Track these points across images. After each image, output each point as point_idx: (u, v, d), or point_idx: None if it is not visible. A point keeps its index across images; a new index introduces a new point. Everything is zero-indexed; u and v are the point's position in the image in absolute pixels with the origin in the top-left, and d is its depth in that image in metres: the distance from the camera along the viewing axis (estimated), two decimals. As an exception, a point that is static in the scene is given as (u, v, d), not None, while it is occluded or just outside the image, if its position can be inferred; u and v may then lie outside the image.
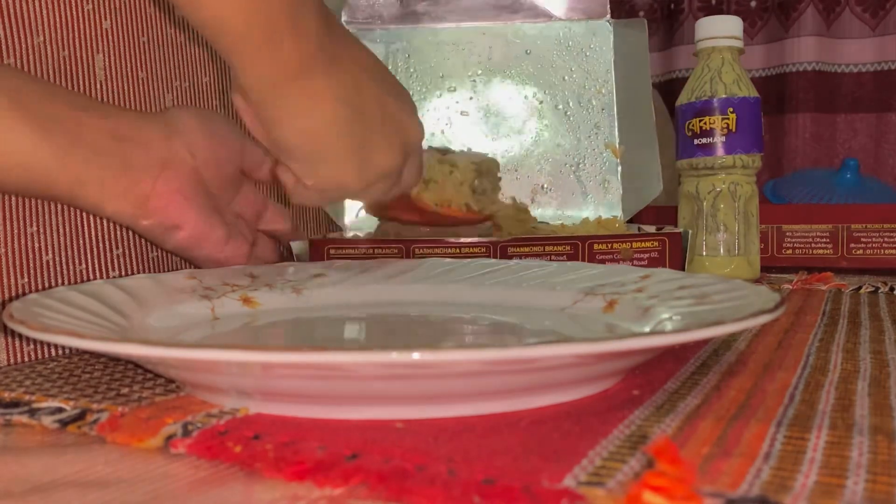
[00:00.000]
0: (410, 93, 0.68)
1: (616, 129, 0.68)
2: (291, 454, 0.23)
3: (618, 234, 0.57)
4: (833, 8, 1.34)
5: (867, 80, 1.35)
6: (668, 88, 1.42)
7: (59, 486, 0.22)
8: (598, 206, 0.68)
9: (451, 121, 0.69)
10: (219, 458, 0.24)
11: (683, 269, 0.56)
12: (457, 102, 0.69)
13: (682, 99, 0.68)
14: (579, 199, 0.68)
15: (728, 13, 1.38)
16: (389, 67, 0.67)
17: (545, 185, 0.68)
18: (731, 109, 0.65)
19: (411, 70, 0.67)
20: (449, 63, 0.68)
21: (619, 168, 0.68)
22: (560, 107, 0.69)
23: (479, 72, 0.69)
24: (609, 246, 0.55)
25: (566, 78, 0.69)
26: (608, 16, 0.69)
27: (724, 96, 0.65)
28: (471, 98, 0.69)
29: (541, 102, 0.69)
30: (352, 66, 0.39)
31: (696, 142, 0.66)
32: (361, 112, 0.39)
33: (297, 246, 0.56)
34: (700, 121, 0.66)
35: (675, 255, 0.56)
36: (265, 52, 0.35)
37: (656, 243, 0.55)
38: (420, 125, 0.45)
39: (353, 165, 0.40)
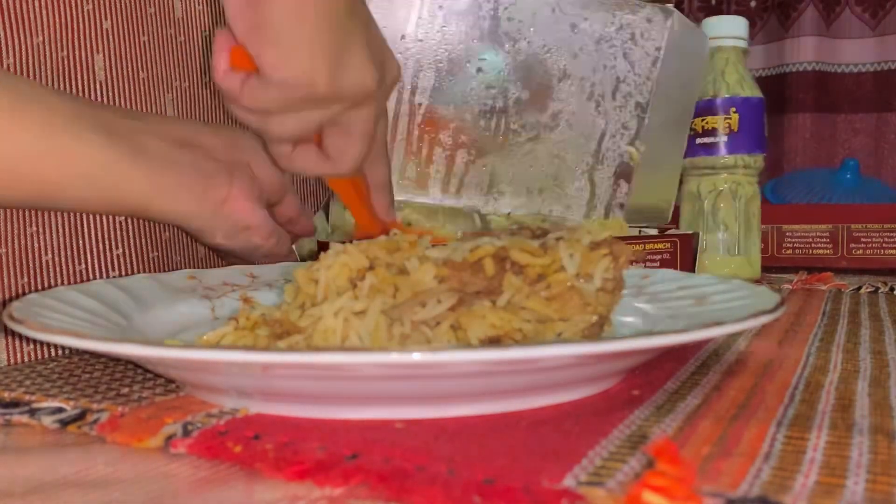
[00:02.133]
0: (434, 51, 0.60)
1: (642, 134, 0.64)
2: (291, 454, 0.23)
3: (631, 235, 0.58)
4: (833, 8, 1.34)
5: (867, 80, 1.35)
6: (669, 88, 1.42)
7: (59, 486, 0.22)
8: (603, 208, 0.66)
9: (468, 91, 0.62)
10: (219, 458, 0.24)
11: (694, 271, 0.56)
12: (481, 76, 0.61)
13: (683, 99, 0.68)
14: (585, 197, 0.66)
15: (728, 13, 1.38)
16: (423, 13, 0.60)
17: (557, 179, 0.65)
18: (734, 109, 0.65)
19: (438, 22, 0.60)
20: (483, 24, 0.61)
21: (633, 176, 0.65)
22: (592, 97, 0.62)
23: (516, 41, 0.61)
24: None
25: (606, 66, 0.62)
26: (672, 3, 0.63)
27: (726, 96, 0.65)
28: (500, 71, 0.61)
29: (573, 92, 0.61)
30: None
31: (698, 141, 0.66)
32: (351, 15, 0.39)
33: (302, 246, 0.56)
34: (703, 120, 0.66)
35: (686, 256, 0.56)
36: None
37: (668, 245, 0.55)
38: (398, 66, 0.44)
39: (328, 63, 0.38)
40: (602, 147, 0.64)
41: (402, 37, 0.59)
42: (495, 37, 0.61)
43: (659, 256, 0.55)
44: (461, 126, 0.62)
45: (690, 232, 0.56)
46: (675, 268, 0.56)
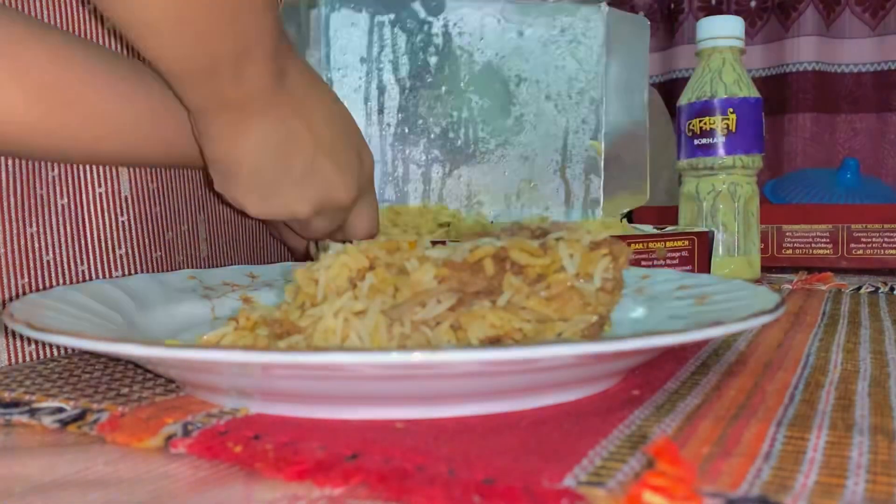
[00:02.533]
0: (394, 71, 0.63)
1: (602, 127, 0.67)
2: (291, 454, 0.23)
3: (652, 234, 0.58)
4: (833, 8, 1.35)
5: (867, 80, 1.35)
6: (668, 88, 1.42)
7: (59, 486, 0.22)
8: (580, 204, 0.67)
9: (434, 105, 0.64)
10: (219, 458, 0.24)
11: (709, 268, 0.58)
12: (444, 89, 0.64)
13: (683, 99, 0.68)
14: (563, 196, 0.67)
15: (728, 13, 1.38)
16: (376, 38, 0.62)
17: (531, 181, 0.67)
18: (732, 110, 0.65)
19: (398, 45, 0.62)
20: (437, 40, 0.63)
21: (602, 168, 0.67)
22: (549, 98, 0.66)
23: (470, 53, 0.64)
24: (645, 245, 0.56)
25: (557, 67, 0.66)
26: (604, 1, 0.66)
27: (724, 97, 0.65)
28: (461, 83, 0.64)
29: (531, 94, 0.66)
30: (293, 110, 0.43)
31: (696, 142, 0.66)
32: (299, 148, 0.43)
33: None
34: (700, 121, 0.66)
35: (703, 253, 0.57)
36: (199, 89, 0.39)
37: (686, 242, 0.57)
38: (371, 158, 0.49)
39: (296, 192, 0.44)
40: (568, 144, 0.67)
41: (362, 60, 0.61)
42: (450, 51, 0.64)
43: (678, 254, 0.57)
44: (431, 140, 0.65)
45: (706, 229, 0.58)
46: (693, 265, 0.57)
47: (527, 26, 0.65)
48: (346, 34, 0.60)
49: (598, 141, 0.67)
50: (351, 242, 0.33)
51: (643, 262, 0.56)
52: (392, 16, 0.62)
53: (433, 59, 0.64)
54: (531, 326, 0.30)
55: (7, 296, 0.41)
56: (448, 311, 0.30)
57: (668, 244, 0.56)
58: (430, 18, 0.63)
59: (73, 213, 0.44)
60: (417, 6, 0.63)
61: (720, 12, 1.37)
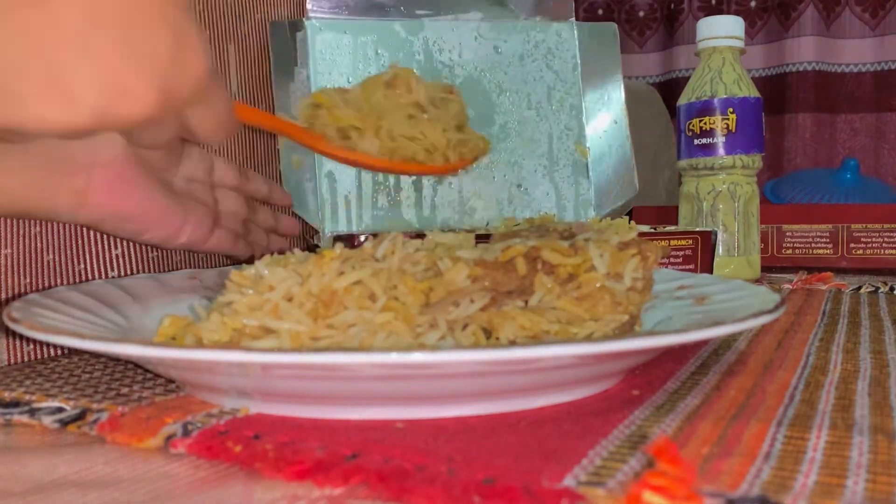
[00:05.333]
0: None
1: (585, 131, 0.68)
2: (291, 454, 0.23)
3: (655, 232, 0.58)
4: (833, 8, 1.35)
5: (867, 80, 1.35)
6: (668, 88, 1.42)
7: (59, 486, 0.22)
8: (572, 206, 0.68)
9: None
10: (219, 458, 0.24)
11: (712, 266, 0.58)
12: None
13: (683, 99, 0.68)
14: (553, 199, 0.68)
15: (728, 13, 1.38)
16: (360, 58, 0.64)
17: (521, 185, 0.68)
18: (732, 110, 0.65)
19: (382, 63, 0.65)
20: (419, 57, 0.66)
21: (589, 170, 0.68)
22: (531, 107, 0.68)
23: (451, 68, 0.67)
24: None
25: (535, 78, 0.69)
26: (572, 18, 0.69)
27: (724, 96, 0.65)
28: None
29: (512, 104, 0.68)
30: None
31: (696, 142, 0.66)
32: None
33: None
34: (700, 121, 0.66)
35: (706, 252, 0.57)
36: None
37: (690, 241, 0.57)
38: (199, 42, 0.30)
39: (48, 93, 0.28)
40: (553, 149, 0.69)
41: (349, 80, 0.63)
42: (432, 66, 0.67)
43: (681, 253, 0.57)
44: None
45: (710, 229, 0.58)
46: (696, 264, 0.57)
47: (502, 42, 0.68)
48: (330, 54, 0.63)
49: (583, 145, 0.68)
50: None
51: None
52: (374, 36, 0.65)
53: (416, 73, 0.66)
54: (559, 327, 0.30)
55: (8, 295, 0.41)
56: (479, 312, 0.30)
57: (673, 243, 0.57)
58: (411, 38, 0.66)
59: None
60: (398, 27, 0.65)
61: (720, 12, 1.37)
